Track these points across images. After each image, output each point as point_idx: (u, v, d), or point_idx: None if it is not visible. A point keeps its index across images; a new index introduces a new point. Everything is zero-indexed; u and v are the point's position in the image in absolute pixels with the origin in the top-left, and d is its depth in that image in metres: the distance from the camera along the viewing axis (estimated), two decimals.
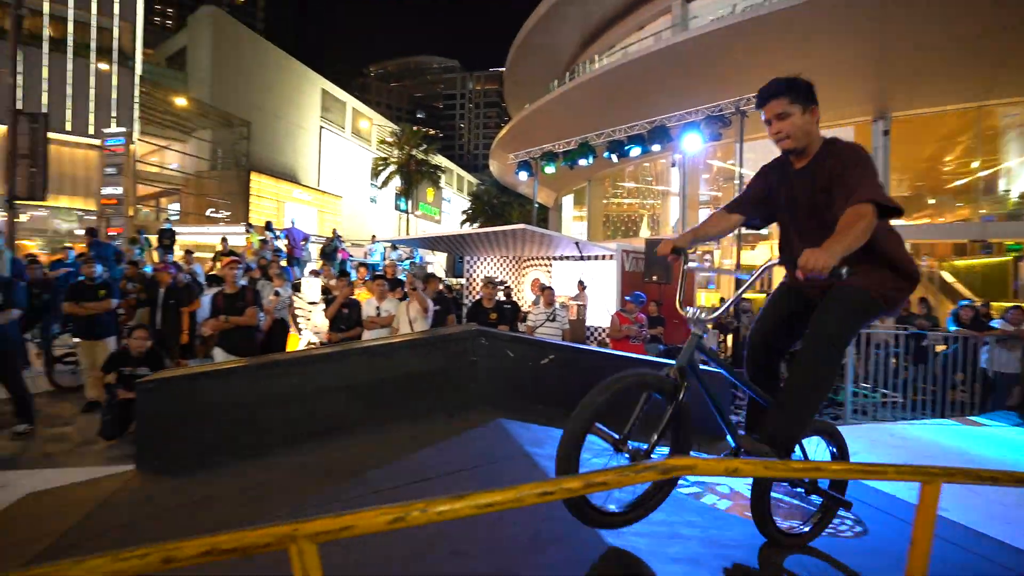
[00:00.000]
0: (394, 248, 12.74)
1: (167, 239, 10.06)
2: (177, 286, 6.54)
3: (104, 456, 4.64)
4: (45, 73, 23.15)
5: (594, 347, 7.91)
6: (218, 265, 9.20)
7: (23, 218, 18.42)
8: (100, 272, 5.87)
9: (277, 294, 5.94)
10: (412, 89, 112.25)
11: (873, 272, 1.78)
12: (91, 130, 23.99)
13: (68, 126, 23.60)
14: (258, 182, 29.81)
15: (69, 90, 23.87)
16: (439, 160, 39.84)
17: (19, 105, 11.33)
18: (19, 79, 11.47)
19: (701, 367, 1.87)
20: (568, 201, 29.49)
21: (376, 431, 3.45)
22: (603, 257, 9.53)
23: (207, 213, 28.34)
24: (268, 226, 10.04)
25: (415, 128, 39.06)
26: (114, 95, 24.92)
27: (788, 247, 1.96)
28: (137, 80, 25.40)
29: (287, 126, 33.18)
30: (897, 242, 1.84)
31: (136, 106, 25.24)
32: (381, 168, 36.28)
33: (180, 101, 26.46)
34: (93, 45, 24.78)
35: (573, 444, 1.61)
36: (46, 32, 23.47)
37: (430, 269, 11.78)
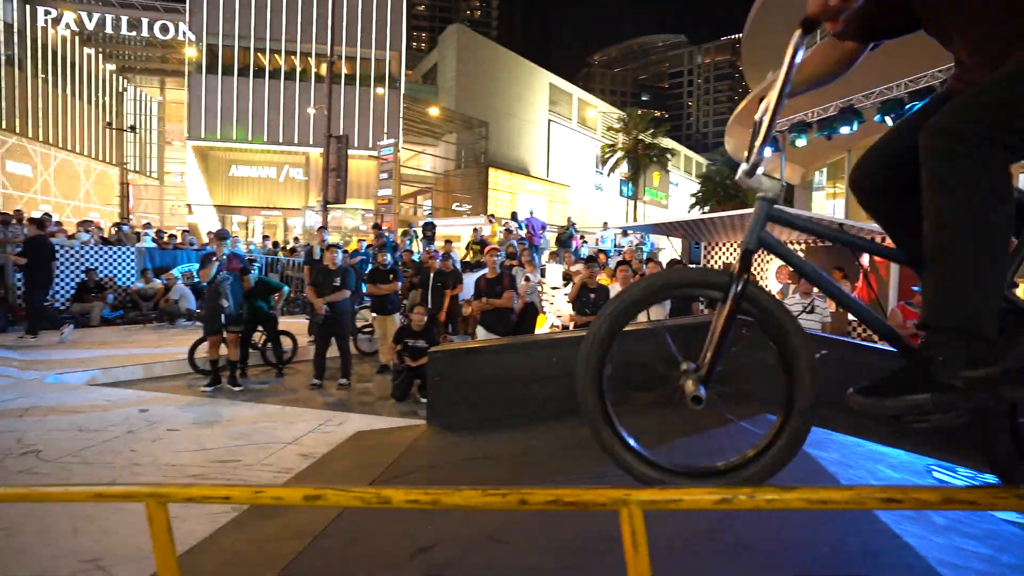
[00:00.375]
0: (625, 234, 12.81)
1: (429, 231, 11.85)
2: (444, 271, 7.65)
3: (398, 410, 5.72)
4: (342, 102, 29.11)
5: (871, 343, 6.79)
6: (469, 253, 10.45)
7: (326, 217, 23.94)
8: (389, 260, 7.20)
9: (527, 279, 6.53)
10: (636, 72, 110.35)
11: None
12: (370, 144, 29.44)
13: (355, 142, 29.32)
14: (495, 176, 32.84)
15: (356, 114, 29.60)
16: (667, 143, 38.53)
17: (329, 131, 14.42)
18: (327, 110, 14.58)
19: None
20: (820, 177, 25.71)
21: (634, 414, 3.54)
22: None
23: (453, 207, 32.33)
24: (513, 216, 11.04)
25: (641, 112, 38.43)
26: (385, 113, 30.09)
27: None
28: (402, 98, 30.23)
29: (519, 123, 35.75)
30: None
31: (401, 120, 30.12)
32: (608, 155, 36.61)
33: (432, 111, 30.55)
34: (372, 75, 30.25)
35: None
36: (343, 71, 29.48)
37: (661, 256, 11.55)
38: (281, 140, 30.15)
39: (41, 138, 30.62)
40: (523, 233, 10.43)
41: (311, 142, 29.92)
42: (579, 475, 2.96)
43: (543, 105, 37.62)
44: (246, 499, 1.45)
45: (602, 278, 6.49)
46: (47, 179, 30.93)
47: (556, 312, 7.78)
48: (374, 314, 7.16)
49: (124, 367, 6.45)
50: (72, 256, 9.15)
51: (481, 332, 5.68)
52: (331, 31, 14.26)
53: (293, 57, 30.20)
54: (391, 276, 7.04)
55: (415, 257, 10.38)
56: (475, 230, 10.41)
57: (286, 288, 7.18)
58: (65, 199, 31.09)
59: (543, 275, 8.11)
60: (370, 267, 8.17)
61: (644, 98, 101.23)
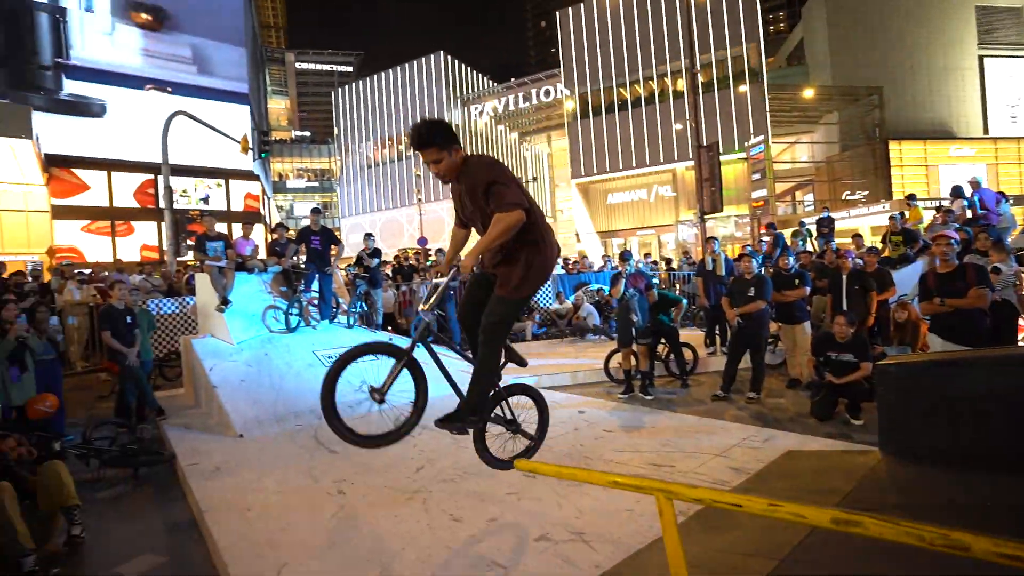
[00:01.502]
0: None
1: (826, 226, 10.33)
2: (862, 271, 6.50)
3: (822, 430, 5.04)
4: (702, 110, 28.92)
5: None
6: (887, 247, 8.60)
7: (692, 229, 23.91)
8: (793, 263, 6.55)
9: (997, 270, 4.88)
10: None
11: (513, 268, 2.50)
12: (736, 146, 28.13)
13: (721, 148, 28.51)
14: (897, 150, 26.62)
15: (719, 118, 28.87)
16: None
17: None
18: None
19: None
20: None
21: None
22: None
23: (843, 196, 27.62)
24: (957, 192, 8.52)
25: None
26: (750, 110, 28.30)
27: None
28: (766, 90, 27.88)
29: (929, 75, 28.02)
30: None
31: (767, 114, 27.74)
32: None
33: (807, 93, 26.98)
34: (730, 74, 29.07)
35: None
36: (699, 80, 29.36)
37: None
38: (648, 162, 31.99)
39: None
40: (970, 213, 7.93)
41: (675, 158, 30.72)
42: None
43: (968, 38, 28.40)
44: (759, 510, 1.44)
45: None
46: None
47: None
48: (779, 323, 6.62)
49: (555, 374, 7.79)
50: None
51: (936, 342, 4.49)
52: (689, 43, 14.33)
53: (651, 83, 31.83)
54: (797, 281, 6.39)
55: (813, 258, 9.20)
56: (892, 219, 8.48)
57: (684, 301, 7.38)
58: None
59: (1021, 263, 5.93)
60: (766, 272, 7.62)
61: None
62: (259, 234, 22.70)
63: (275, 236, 8.29)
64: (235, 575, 2.67)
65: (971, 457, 3.02)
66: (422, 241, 24.30)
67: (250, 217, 23.84)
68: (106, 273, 11.63)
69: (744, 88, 28.15)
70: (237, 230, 9.60)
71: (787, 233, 10.64)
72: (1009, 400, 2.97)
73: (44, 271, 13.08)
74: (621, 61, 32.48)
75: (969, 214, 8.01)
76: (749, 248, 11.67)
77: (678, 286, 12.11)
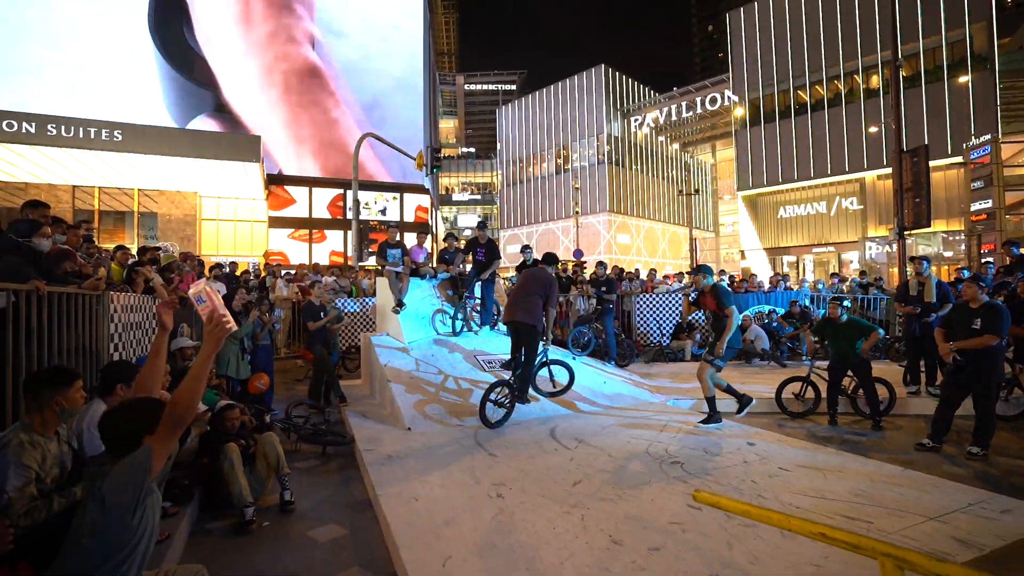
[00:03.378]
0: None
1: None
2: None
3: None
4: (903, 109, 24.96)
5: None
6: None
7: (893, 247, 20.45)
8: None
9: None
10: None
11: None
12: (948, 150, 23.76)
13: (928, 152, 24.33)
14: None
15: (925, 117, 24.69)
16: None
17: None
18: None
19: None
20: None
21: None
22: None
23: None
24: None
25: None
26: (971, 105, 23.75)
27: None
28: (997, 78, 23.16)
29: None
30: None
31: (997, 107, 23.00)
32: None
33: None
34: (945, 64, 24.70)
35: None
36: (901, 73, 25.41)
37: None
38: (830, 171, 28.55)
39: (633, 213, 40.16)
40: None
41: (864, 166, 27.01)
42: None
43: None
44: None
45: None
46: (639, 244, 40.16)
47: None
48: (1020, 364, 5.37)
49: (720, 400, 7.20)
50: (655, 303, 11.21)
51: None
52: (892, 31, 12.44)
53: (836, 82, 28.42)
54: None
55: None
56: None
57: (882, 332, 6.35)
58: (650, 257, 39.39)
59: None
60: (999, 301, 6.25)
61: None
62: (427, 243, 24.83)
63: (445, 245, 8.85)
64: (406, 559, 2.85)
65: None
66: (578, 253, 24.43)
67: (420, 227, 26.17)
68: (307, 273, 13.59)
69: (965, 79, 23.73)
70: (411, 239, 10.56)
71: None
72: None
73: (261, 270, 15.74)
74: (801, 60, 29.53)
75: None
76: (966, 271, 9.76)
77: (869, 314, 10.52)
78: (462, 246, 8.68)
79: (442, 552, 2.91)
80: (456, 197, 56.39)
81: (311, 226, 24.90)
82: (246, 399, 5.66)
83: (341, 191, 24.65)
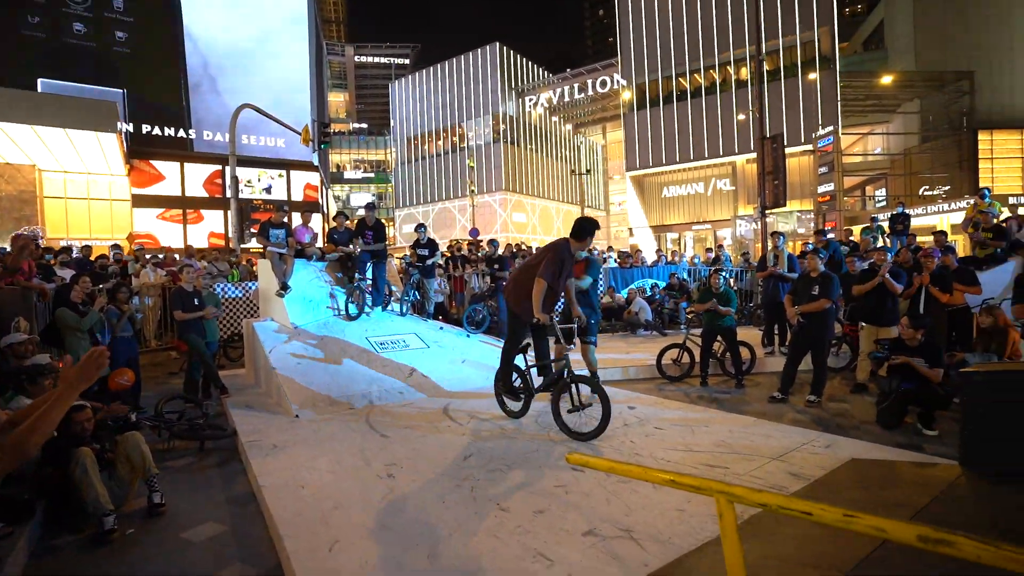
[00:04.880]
0: None
1: (901, 223, 9.65)
2: (941, 272, 6.03)
3: (890, 439, 4.72)
4: (767, 100, 27.62)
5: None
6: (977, 246, 7.92)
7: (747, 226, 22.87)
8: (890, 259, 6.15)
9: None
10: None
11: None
12: (802, 138, 26.73)
13: (786, 139, 27.17)
14: (987, 141, 24.54)
15: (784, 108, 27.50)
16: None
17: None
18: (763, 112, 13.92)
19: None
20: None
21: None
22: None
23: (920, 192, 25.81)
24: None
25: None
26: (819, 99, 26.80)
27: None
28: (838, 77, 26.30)
29: None
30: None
31: (838, 103, 26.18)
32: None
33: (885, 79, 25.21)
34: (799, 62, 27.58)
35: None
36: (765, 67, 28.05)
37: None
38: (707, 154, 30.95)
39: (529, 192, 40.93)
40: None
41: (736, 150, 29.58)
42: None
43: None
44: (831, 520, 1.33)
45: None
46: (535, 222, 41.07)
47: None
48: (863, 323, 6.24)
49: (607, 368, 7.66)
50: None
51: None
52: (756, 28, 13.66)
53: (712, 71, 30.69)
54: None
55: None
56: (984, 213, 7.81)
57: (735, 301, 7.10)
58: (545, 235, 40.47)
59: None
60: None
61: None
62: (317, 223, 23.55)
63: (334, 224, 8.43)
64: (290, 548, 2.76)
65: None
66: (474, 232, 24.50)
67: (309, 207, 24.76)
68: (176, 257, 12.36)
69: (814, 76, 26.69)
70: (297, 219, 10.01)
71: (856, 230, 10.03)
72: None
73: (124, 255, 14.07)
74: (681, 49, 31.47)
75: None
76: (811, 244, 11.11)
77: (732, 282, 11.67)
78: (354, 226, 8.37)
79: (329, 537, 2.85)
80: (349, 175, 53.96)
81: (185, 205, 22.64)
82: (105, 398, 5.09)
83: (219, 167, 22.57)
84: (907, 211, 10.60)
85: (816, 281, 5.78)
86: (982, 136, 24.51)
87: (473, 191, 33.68)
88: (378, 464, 3.94)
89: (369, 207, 8.03)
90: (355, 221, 8.21)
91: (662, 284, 11.65)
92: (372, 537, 2.86)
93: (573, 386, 4.45)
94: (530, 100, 41.15)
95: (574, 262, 4.74)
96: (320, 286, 7.85)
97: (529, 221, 40.57)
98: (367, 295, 7.75)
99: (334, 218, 8.46)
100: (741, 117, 28.44)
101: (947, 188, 24.90)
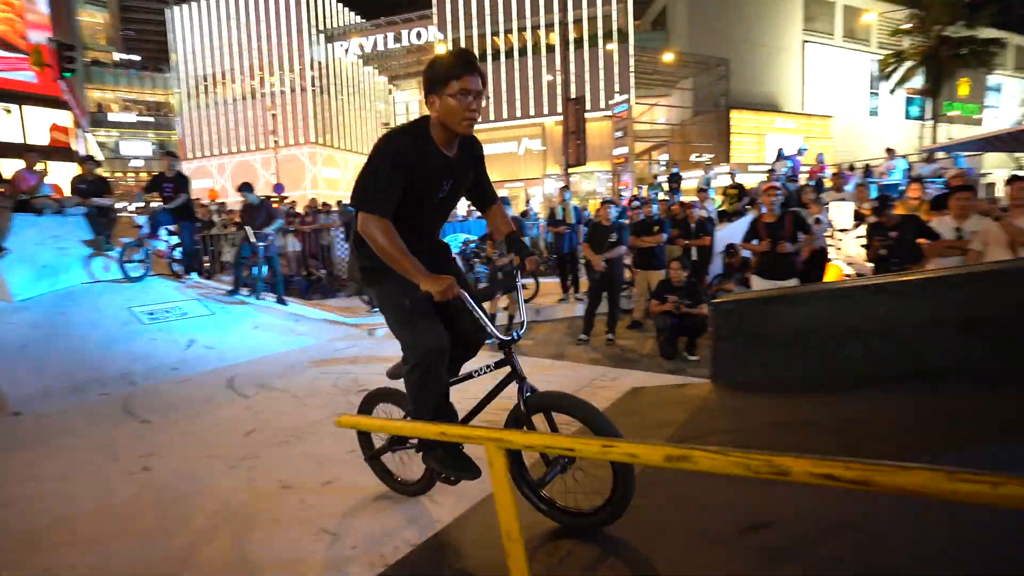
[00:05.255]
0: (929, 160, 10.00)
1: (675, 182, 11.10)
2: (701, 221, 7.01)
3: (666, 368, 5.40)
4: (573, 68, 29.33)
5: None
6: (726, 202, 9.41)
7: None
8: (656, 211, 6.86)
9: (818, 221, 5.50)
10: None
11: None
12: (603, 104, 29.08)
13: (588, 104, 29.27)
14: (738, 119, 29.39)
15: (587, 74, 29.50)
16: (989, 33, 27.55)
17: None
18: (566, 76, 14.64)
19: None
20: None
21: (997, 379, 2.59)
22: None
23: (691, 158, 30.06)
24: (780, 155, 9.61)
25: None
26: (616, 70, 29.28)
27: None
28: (631, 51, 28.95)
29: (766, 53, 31.06)
30: None
31: (632, 74, 28.93)
32: (891, 67, 28.11)
33: (667, 57, 28.28)
34: (600, 33, 29.66)
35: None
36: (571, 35, 29.63)
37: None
38: (519, 115, 31.96)
39: (342, 146, 38.32)
40: (792, 171, 8.96)
41: (545, 112, 31.04)
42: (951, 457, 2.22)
43: (796, 25, 31.88)
44: (591, 453, 1.31)
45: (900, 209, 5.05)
46: (349, 179, 38.72)
47: (846, 258, 6.44)
48: (636, 269, 6.95)
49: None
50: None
51: (758, 282, 4.96)
52: None
53: (524, 33, 31.42)
54: (656, 228, 6.69)
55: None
56: (731, 174, 9.29)
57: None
58: None
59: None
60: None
61: None
62: (70, 173, 19.00)
63: (81, 172, 7.04)
64: None
65: (783, 382, 3.32)
66: (279, 188, 22.17)
67: (60, 153, 19.88)
68: None
69: (612, 47, 28.92)
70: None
71: (644, 188, 11.24)
72: (820, 329, 3.29)
73: None
74: (496, 8, 31.54)
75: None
76: (605, 199, 12.15)
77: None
78: (104, 173, 6.82)
79: (35, 564, 2.22)
80: (116, 117, 44.65)
81: None
82: None
83: None
84: (680, 173, 12.19)
85: (611, 229, 6.27)
86: (733, 114, 29.29)
87: (277, 142, 30.31)
88: (131, 457, 3.24)
89: (169, 154, 6.82)
90: (143, 176, 6.73)
91: (474, 237, 11.79)
92: (101, 552, 2.30)
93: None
94: (341, 46, 37.89)
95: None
96: (59, 247, 6.29)
97: (343, 177, 38.08)
98: (171, 261, 6.56)
99: (82, 162, 6.97)
100: (549, 78, 29.83)
101: (711, 156, 29.46)
